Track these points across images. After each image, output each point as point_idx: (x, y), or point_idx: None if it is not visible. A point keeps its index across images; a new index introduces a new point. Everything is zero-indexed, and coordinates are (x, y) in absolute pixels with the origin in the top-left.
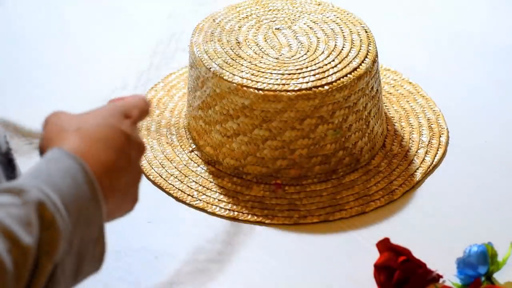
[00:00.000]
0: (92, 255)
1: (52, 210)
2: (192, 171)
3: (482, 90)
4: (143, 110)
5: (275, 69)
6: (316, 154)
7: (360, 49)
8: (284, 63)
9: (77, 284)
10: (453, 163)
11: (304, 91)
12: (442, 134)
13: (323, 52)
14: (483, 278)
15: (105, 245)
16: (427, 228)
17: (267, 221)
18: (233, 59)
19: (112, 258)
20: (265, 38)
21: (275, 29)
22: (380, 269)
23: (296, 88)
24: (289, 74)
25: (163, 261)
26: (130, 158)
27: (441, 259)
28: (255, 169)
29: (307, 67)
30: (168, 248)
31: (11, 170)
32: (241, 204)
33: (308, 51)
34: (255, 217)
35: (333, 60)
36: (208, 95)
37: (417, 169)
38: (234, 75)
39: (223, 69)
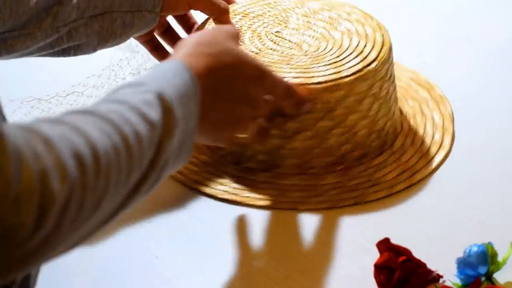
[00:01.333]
0: (188, 147)
1: (169, 99)
2: (249, 179)
3: (491, 89)
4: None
5: (314, 64)
6: (373, 130)
7: (376, 36)
8: (317, 57)
9: (169, 173)
10: (454, 163)
11: (358, 74)
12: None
13: (341, 42)
14: (483, 278)
15: (193, 142)
16: (427, 228)
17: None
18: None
19: (112, 258)
20: (274, 42)
21: (275, 32)
22: (380, 269)
23: (350, 73)
24: (331, 64)
25: (163, 261)
26: (235, 73)
27: (441, 259)
28: (321, 161)
29: (343, 55)
30: (167, 248)
31: None
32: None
33: (328, 43)
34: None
35: (359, 44)
36: None
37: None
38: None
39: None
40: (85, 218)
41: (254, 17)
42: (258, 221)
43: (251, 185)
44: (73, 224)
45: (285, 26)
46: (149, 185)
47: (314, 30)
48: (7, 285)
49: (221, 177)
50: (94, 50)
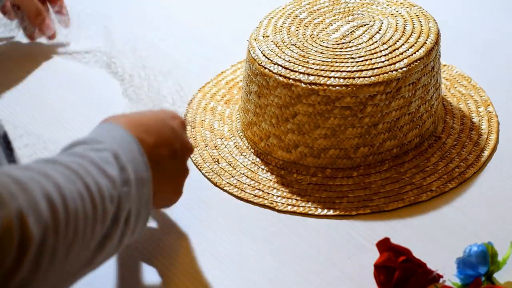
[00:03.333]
0: (144, 216)
1: (124, 160)
2: (269, 179)
3: None
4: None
5: (361, 56)
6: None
7: (422, 26)
8: (374, 49)
9: (129, 239)
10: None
11: (408, 67)
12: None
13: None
14: (483, 278)
15: (150, 211)
16: (427, 228)
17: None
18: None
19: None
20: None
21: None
22: (380, 269)
23: (400, 66)
24: (375, 58)
25: (163, 261)
26: (176, 151)
27: (441, 259)
28: (341, 163)
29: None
30: (168, 248)
31: (9, 152)
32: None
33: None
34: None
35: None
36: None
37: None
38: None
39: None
40: (59, 265)
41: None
42: (259, 220)
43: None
44: (48, 268)
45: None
46: (113, 243)
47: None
48: None
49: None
50: None
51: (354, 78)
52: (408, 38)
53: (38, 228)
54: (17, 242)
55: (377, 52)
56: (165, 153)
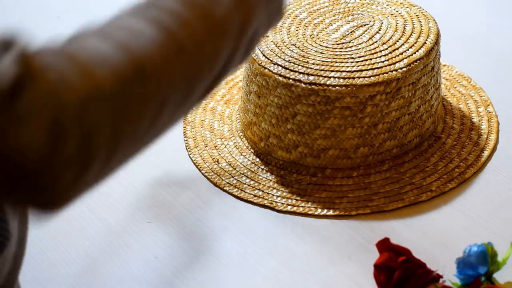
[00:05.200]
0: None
1: None
2: (268, 179)
3: None
4: None
5: (361, 56)
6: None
7: (422, 26)
8: (374, 49)
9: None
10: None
11: (408, 67)
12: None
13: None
14: (483, 278)
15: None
16: (427, 228)
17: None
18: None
19: (112, 258)
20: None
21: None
22: (380, 269)
23: (400, 66)
24: (373, 58)
25: (163, 261)
26: None
27: (441, 259)
28: (341, 163)
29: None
30: (167, 248)
31: None
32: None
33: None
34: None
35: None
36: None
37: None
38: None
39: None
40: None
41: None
42: (259, 220)
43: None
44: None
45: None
46: (232, 68)
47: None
48: None
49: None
50: None
51: (354, 78)
52: (408, 38)
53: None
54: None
55: (377, 52)
56: None
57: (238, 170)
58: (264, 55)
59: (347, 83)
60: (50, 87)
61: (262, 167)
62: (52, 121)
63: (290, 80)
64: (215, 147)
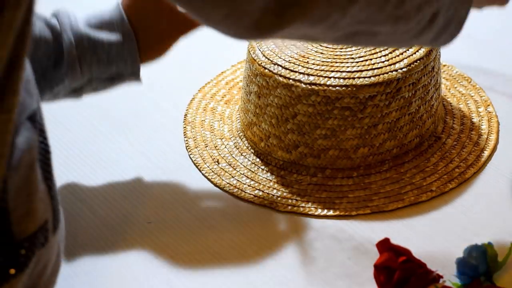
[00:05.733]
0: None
1: None
2: (269, 179)
3: None
4: None
5: (361, 57)
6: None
7: None
8: (374, 49)
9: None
10: None
11: (407, 68)
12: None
13: None
14: (483, 278)
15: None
16: (427, 228)
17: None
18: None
19: (112, 258)
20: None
21: None
22: (380, 269)
23: (403, 65)
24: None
25: (163, 261)
26: None
27: (441, 259)
28: (341, 163)
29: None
30: (167, 248)
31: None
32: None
33: None
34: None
35: None
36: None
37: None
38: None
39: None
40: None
41: None
42: (259, 220)
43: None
44: None
45: None
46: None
47: None
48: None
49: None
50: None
51: (354, 78)
52: None
53: None
54: None
55: (377, 52)
56: None
57: (238, 170)
58: (264, 55)
59: (347, 83)
60: None
61: (262, 167)
62: None
63: (290, 80)
64: (215, 147)
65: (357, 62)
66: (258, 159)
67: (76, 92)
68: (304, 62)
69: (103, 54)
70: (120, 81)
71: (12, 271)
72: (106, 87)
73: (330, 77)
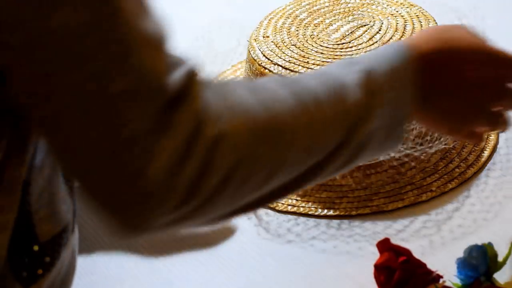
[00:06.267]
0: (397, 134)
1: (377, 81)
2: None
3: None
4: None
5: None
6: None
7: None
8: (374, 48)
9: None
10: None
11: None
12: None
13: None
14: (483, 278)
15: (404, 129)
16: (428, 229)
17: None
18: None
19: (112, 258)
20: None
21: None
22: (380, 269)
23: None
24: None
25: (163, 261)
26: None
27: (441, 259)
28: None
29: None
30: (167, 248)
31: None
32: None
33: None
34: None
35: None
36: None
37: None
38: None
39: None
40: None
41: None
42: (259, 220)
43: None
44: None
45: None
46: (333, 166)
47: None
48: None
49: None
50: None
51: None
52: None
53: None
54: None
55: None
56: (453, 58)
57: None
58: (264, 55)
59: None
60: (198, 113)
61: None
62: (187, 143)
63: None
64: None
65: None
66: None
67: None
68: (304, 62)
69: None
70: None
71: (40, 271)
72: None
73: None
